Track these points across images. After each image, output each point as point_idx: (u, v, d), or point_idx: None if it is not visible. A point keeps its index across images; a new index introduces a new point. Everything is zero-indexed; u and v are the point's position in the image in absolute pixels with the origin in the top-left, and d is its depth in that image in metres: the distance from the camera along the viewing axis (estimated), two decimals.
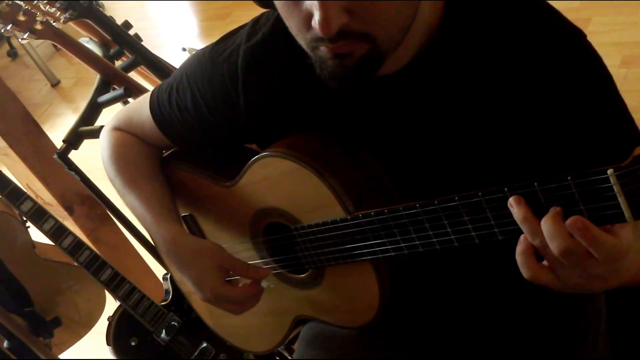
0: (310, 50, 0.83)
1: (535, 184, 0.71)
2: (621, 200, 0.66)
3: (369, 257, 0.94)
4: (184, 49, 2.56)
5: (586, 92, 0.85)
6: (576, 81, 0.85)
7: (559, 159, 0.85)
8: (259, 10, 0.98)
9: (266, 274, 1.07)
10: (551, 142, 0.86)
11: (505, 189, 0.74)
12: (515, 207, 0.73)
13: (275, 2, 0.82)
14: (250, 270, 1.07)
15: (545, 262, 0.75)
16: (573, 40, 0.86)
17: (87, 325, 1.99)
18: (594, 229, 0.68)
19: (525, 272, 0.76)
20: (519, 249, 0.75)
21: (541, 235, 0.72)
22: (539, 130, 0.86)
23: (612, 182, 0.66)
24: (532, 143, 0.87)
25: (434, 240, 0.84)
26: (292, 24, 0.82)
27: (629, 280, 0.77)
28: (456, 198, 0.79)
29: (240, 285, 1.10)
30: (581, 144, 0.85)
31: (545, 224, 0.71)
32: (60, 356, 1.94)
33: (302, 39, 0.82)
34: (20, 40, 1.68)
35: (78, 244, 1.62)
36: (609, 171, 0.65)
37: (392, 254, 0.91)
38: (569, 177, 0.69)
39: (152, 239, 1.20)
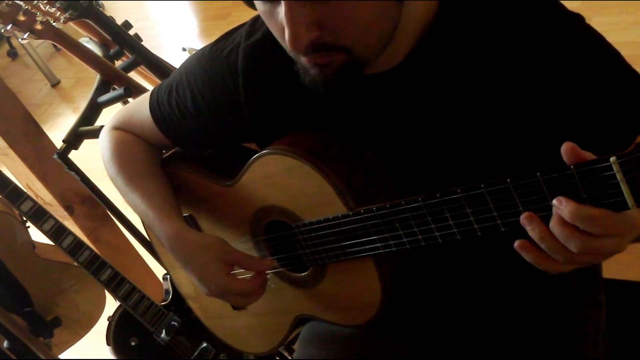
0: (294, 57, 0.83)
1: (538, 174, 0.71)
2: (624, 187, 0.66)
3: (371, 253, 0.93)
4: (184, 49, 2.56)
5: (589, 76, 0.84)
6: (577, 66, 0.84)
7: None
8: None
9: (270, 265, 1.06)
10: (551, 132, 0.85)
11: (508, 180, 0.74)
12: (529, 226, 0.74)
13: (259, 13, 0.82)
14: (254, 262, 1.06)
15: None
16: (571, 25, 0.85)
17: (87, 325, 1.99)
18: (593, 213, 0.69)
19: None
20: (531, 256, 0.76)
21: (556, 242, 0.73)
22: (539, 121, 0.86)
23: (615, 169, 0.66)
24: (532, 133, 0.86)
25: (437, 233, 0.84)
26: (274, 34, 0.83)
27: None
28: (458, 191, 0.79)
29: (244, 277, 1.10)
30: (587, 129, 0.84)
31: (555, 230, 0.72)
32: (60, 356, 1.94)
33: (285, 47, 0.82)
34: (20, 40, 1.68)
35: (78, 244, 1.62)
36: (612, 159, 0.65)
37: (394, 249, 0.90)
38: (571, 167, 0.68)
39: (154, 236, 1.20)
